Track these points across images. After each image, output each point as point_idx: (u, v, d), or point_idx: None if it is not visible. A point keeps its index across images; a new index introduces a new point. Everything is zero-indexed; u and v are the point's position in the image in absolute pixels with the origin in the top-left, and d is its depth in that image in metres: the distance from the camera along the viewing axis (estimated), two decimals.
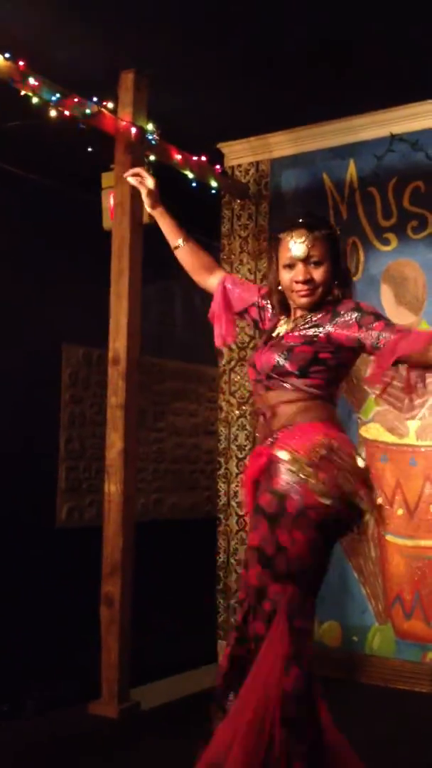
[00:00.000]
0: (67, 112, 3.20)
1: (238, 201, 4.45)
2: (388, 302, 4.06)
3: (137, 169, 2.71)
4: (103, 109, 3.37)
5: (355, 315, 2.28)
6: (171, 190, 3.84)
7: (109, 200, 3.81)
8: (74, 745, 3.00)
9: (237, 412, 4.36)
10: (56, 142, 3.75)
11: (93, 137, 3.45)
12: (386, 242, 4.09)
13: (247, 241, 4.42)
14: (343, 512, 2.24)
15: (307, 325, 2.35)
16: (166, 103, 3.69)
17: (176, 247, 2.65)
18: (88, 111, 3.26)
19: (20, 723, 3.41)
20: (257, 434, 2.48)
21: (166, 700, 3.56)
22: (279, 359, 2.31)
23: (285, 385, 2.31)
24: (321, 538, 2.25)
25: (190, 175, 3.84)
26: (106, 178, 3.91)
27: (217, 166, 4.14)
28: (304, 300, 2.35)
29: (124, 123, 3.44)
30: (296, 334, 2.35)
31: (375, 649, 3.92)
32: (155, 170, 3.73)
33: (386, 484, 3.98)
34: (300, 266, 2.33)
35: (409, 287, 4.01)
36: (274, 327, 2.47)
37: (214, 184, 4.05)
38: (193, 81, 3.73)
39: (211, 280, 2.63)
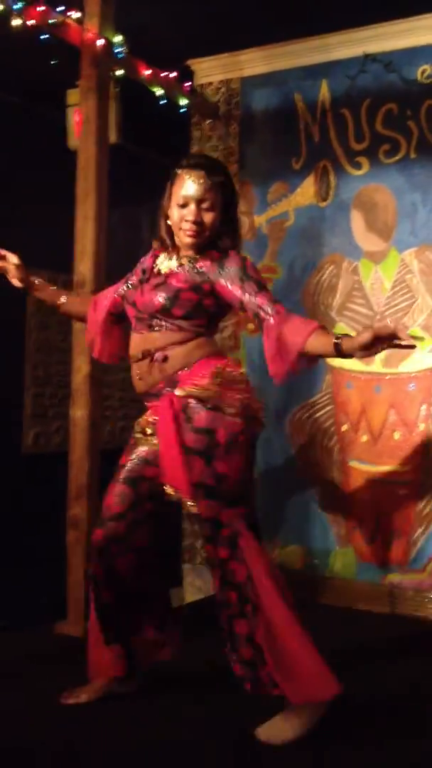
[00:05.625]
0: (30, 22, 3.05)
1: (208, 121, 4.33)
2: (358, 228, 4.02)
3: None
4: (68, 20, 3.23)
5: (240, 274, 2.42)
6: (138, 108, 3.75)
7: (75, 118, 3.70)
8: (41, 662, 3.04)
9: None
10: (18, 56, 3.58)
11: (57, 50, 3.31)
12: (358, 166, 4.03)
13: None
14: (255, 427, 2.49)
15: (194, 271, 2.47)
16: (133, 16, 3.54)
17: (61, 305, 2.79)
18: (52, 21, 3.12)
19: None
20: (140, 376, 2.53)
21: None
22: (166, 302, 2.45)
23: (171, 326, 2.46)
24: (250, 455, 2.49)
25: (159, 92, 3.72)
26: (72, 95, 3.79)
27: (187, 84, 4.01)
28: (189, 240, 2.46)
29: (90, 34, 3.30)
30: (182, 276, 2.47)
31: (336, 571, 4.01)
32: (123, 85, 3.63)
33: (351, 410, 4.01)
34: (192, 206, 2.44)
35: (380, 213, 3.98)
36: (153, 262, 2.56)
37: (183, 102, 3.93)
38: None
39: (90, 306, 2.78)
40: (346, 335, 2.30)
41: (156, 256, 2.59)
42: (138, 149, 4.28)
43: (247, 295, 2.40)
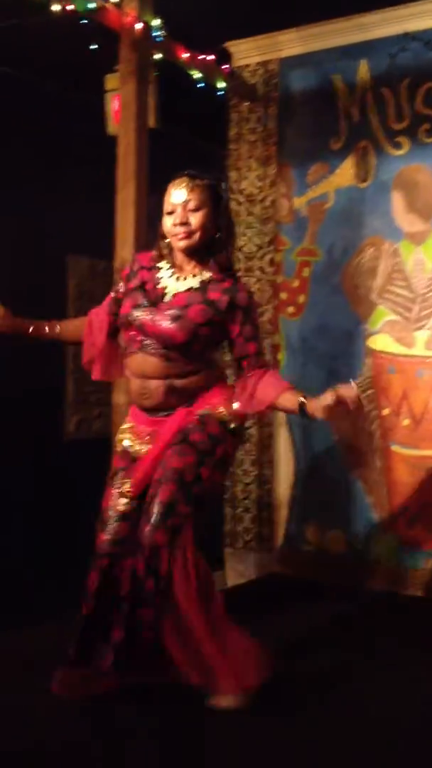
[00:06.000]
0: (69, 7, 3.06)
1: (246, 103, 4.30)
2: (398, 209, 3.97)
3: None
4: (107, 4, 3.22)
5: (243, 317, 2.56)
6: (176, 92, 3.73)
7: (114, 104, 3.69)
8: None
9: None
10: (57, 42, 3.59)
11: (96, 35, 3.31)
12: (398, 146, 3.97)
13: (255, 146, 4.29)
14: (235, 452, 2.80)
15: (206, 301, 2.54)
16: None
17: (58, 334, 2.79)
18: (91, 5, 3.12)
19: (31, 627, 3.50)
20: (147, 396, 2.60)
21: None
22: (188, 338, 2.51)
23: (186, 357, 2.54)
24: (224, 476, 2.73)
25: (197, 75, 3.71)
26: (111, 81, 3.77)
27: (225, 66, 3.99)
28: (182, 243, 2.54)
29: (129, 18, 3.29)
30: (198, 309, 2.53)
31: (379, 556, 3.99)
32: (161, 70, 3.62)
33: (393, 394, 3.98)
34: (179, 210, 2.52)
35: (421, 193, 3.92)
36: (154, 278, 2.62)
37: (221, 84, 3.91)
38: None
39: (86, 327, 2.78)
40: (311, 397, 2.44)
41: (152, 268, 2.63)
42: (176, 133, 4.26)
43: (241, 339, 2.58)
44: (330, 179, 4.14)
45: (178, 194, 2.53)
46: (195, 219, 2.53)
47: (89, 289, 4.64)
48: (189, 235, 2.53)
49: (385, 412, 3.99)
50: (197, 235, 2.54)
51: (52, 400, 4.46)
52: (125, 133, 3.41)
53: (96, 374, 2.79)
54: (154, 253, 2.67)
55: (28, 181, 4.20)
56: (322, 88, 4.15)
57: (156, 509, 2.46)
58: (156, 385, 2.56)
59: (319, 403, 2.38)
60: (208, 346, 2.60)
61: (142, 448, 2.63)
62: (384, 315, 3.98)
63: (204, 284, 2.57)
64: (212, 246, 2.59)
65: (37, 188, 4.25)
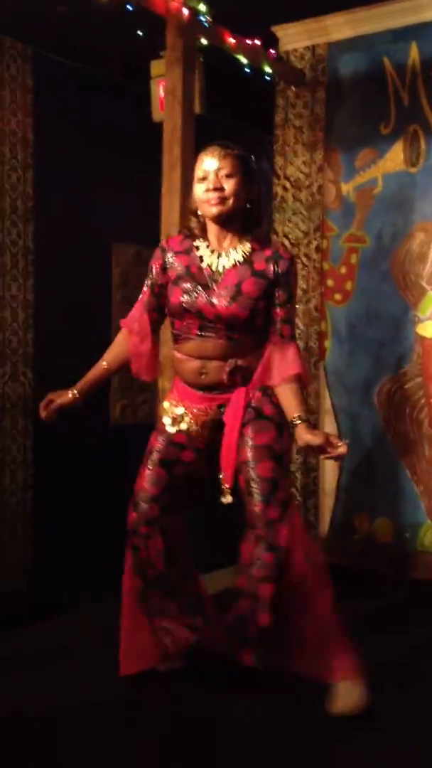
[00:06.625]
0: None
1: (293, 88, 4.25)
2: None
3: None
4: None
5: (283, 282, 2.55)
6: (223, 77, 3.71)
7: (159, 90, 3.68)
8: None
9: None
10: (103, 28, 3.60)
11: (142, 21, 3.30)
12: None
13: (302, 131, 4.24)
14: None
15: (254, 273, 2.54)
16: None
17: (108, 369, 2.78)
18: None
19: (77, 611, 3.54)
20: (206, 373, 2.60)
21: (224, 586, 3.62)
22: (250, 314, 2.51)
23: (247, 333, 2.54)
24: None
25: (244, 61, 3.67)
26: (156, 67, 3.76)
27: (272, 51, 3.95)
28: (214, 209, 2.51)
29: (175, 3, 3.27)
30: (250, 284, 2.53)
31: (427, 545, 3.94)
32: (207, 55, 3.59)
33: None
34: (211, 176, 2.51)
35: None
36: (195, 260, 2.59)
37: (268, 69, 3.87)
38: None
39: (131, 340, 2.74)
40: (308, 422, 2.47)
41: (188, 251, 2.61)
42: (222, 119, 4.24)
43: (278, 308, 2.57)
44: (379, 164, 4.08)
45: (210, 161, 2.53)
46: (228, 185, 2.52)
47: (134, 277, 4.65)
48: (222, 201, 2.51)
49: None
50: (230, 202, 2.52)
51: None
52: (171, 120, 3.39)
53: (148, 377, 2.78)
54: (182, 234, 2.67)
55: (74, 167, 4.23)
56: (371, 72, 4.09)
57: (260, 487, 2.49)
58: (218, 365, 2.56)
59: (309, 438, 2.38)
60: (267, 318, 2.59)
61: (193, 428, 2.64)
62: None
63: (248, 256, 2.57)
64: (246, 219, 2.58)
65: (83, 175, 4.27)
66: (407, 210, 4.00)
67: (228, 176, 2.51)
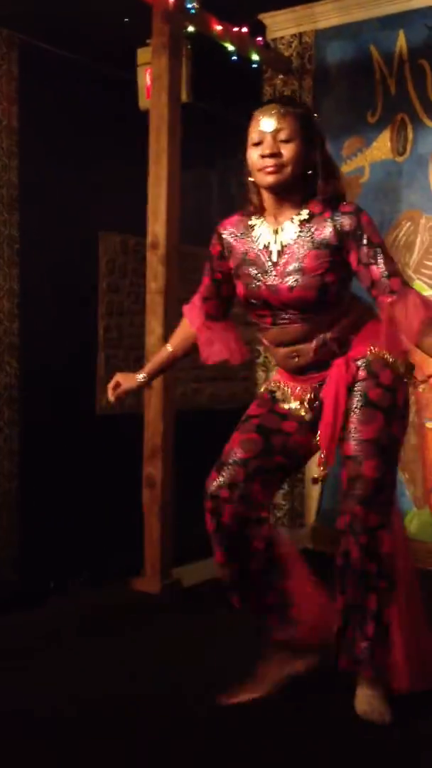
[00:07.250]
0: None
1: (281, 76, 4.24)
2: None
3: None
4: None
5: (354, 237, 2.21)
6: (210, 65, 3.69)
7: (146, 78, 3.66)
8: (119, 616, 3.13)
9: None
10: (88, 15, 3.58)
11: (128, 8, 3.27)
12: None
13: None
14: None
15: (315, 242, 2.23)
16: None
17: (174, 353, 2.56)
18: None
19: (66, 598, 3.55)
20: (297, 355, 2.34)
21: (206, 578, 3.64)
22: (318, 296, 2.23)
23: (325, 310, 2.27)
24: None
25: (231, 48, 3.66)
26: (142, 54, 3.74)
27: (259, 38, 3.93)
28: (270, 178, 2.21)
29: None
30: (311, 258, 2.23)
31: (412, 532, 3.96)
32: (193, 42, 3.58)
33: (428, 371, 3.91)
34: (268, 139, 2.20)
35: None
36: (252, 242, 2.31)
37: (255, 57, 3.86)
38: None
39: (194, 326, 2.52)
40: None
41: (244, 233, 2.33)
42: (209, 107, 4.22)
43: (362, 267, 2.22)
44: (366, 153, 4.08)
45: (267, 122, 2.19)
46: (287, 150, 2.20)
47: (120, 265, 4.64)
48: (279, 168, 2.20)
49: (421, 388, 3.93)
50: (288, 170, 2.20)
51: (83, 375, 4.48)
52: (157, 108, 3.37)
53: (235, 360, 2.49)
54: (243, 211, 2.36)
55: (60, 155, 4.21)
56: (358, 60, 4.08)
57: (364, 488, 2.21)
58: (306, 347, 2.31)
59: None
60: (343, 286, 2.28)
61: (295, 406, 2.38)
62: (420, 290, 3.90)
63: (305, 225, 2.25)
64: (307, 187, 2.26)
65: (69, 163, 4.25)
66: (394, 199, 4.01)
67: (286, 141, 2.19)
